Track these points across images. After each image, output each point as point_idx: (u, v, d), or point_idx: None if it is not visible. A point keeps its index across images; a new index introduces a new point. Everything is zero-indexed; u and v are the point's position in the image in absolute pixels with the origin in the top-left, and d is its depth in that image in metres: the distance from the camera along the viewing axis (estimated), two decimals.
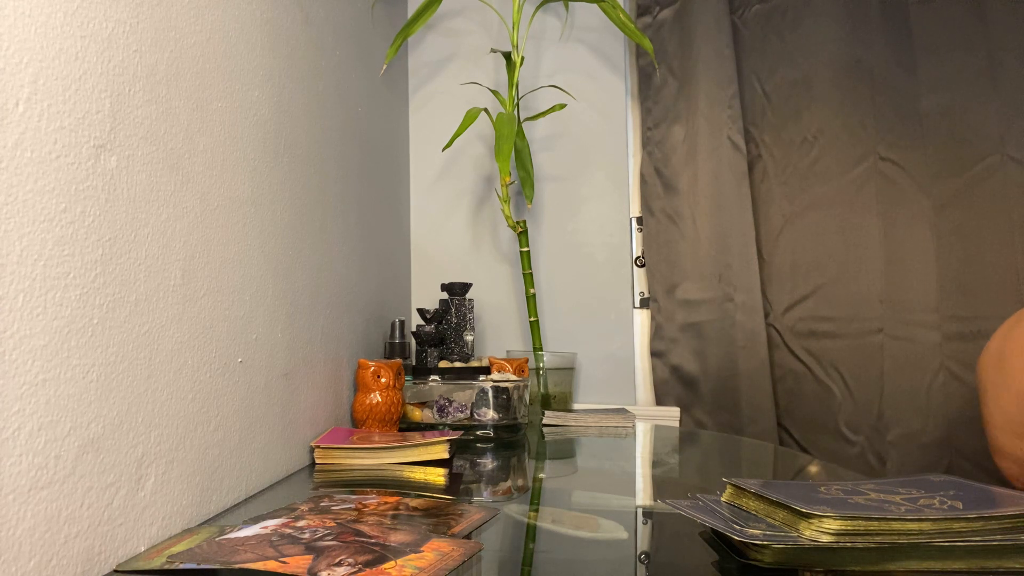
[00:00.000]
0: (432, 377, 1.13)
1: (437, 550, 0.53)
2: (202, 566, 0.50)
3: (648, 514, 0.74)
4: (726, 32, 1.44)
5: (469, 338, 1.28)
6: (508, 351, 1.47)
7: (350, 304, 1.11)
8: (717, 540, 0.57)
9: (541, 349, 1.36)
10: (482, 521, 0.64)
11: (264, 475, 0.79)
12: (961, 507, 0.53)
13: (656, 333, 1.45)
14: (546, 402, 1.32)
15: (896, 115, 1.37)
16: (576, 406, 1.40)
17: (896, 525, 0.50)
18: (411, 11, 1.52)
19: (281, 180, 0.86)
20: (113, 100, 0.55)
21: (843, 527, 0.50)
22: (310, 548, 0.53)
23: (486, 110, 1.37)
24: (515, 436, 1.09)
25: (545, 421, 1.24)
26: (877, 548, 0.50)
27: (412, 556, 0.51)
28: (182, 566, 0.51)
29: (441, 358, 1.25)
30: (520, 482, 0.88)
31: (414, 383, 1.11)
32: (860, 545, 0.50)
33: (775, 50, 1.44)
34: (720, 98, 1.43)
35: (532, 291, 1.38)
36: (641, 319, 1.49)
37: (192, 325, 0.65)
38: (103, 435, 0.53)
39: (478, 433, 1.06)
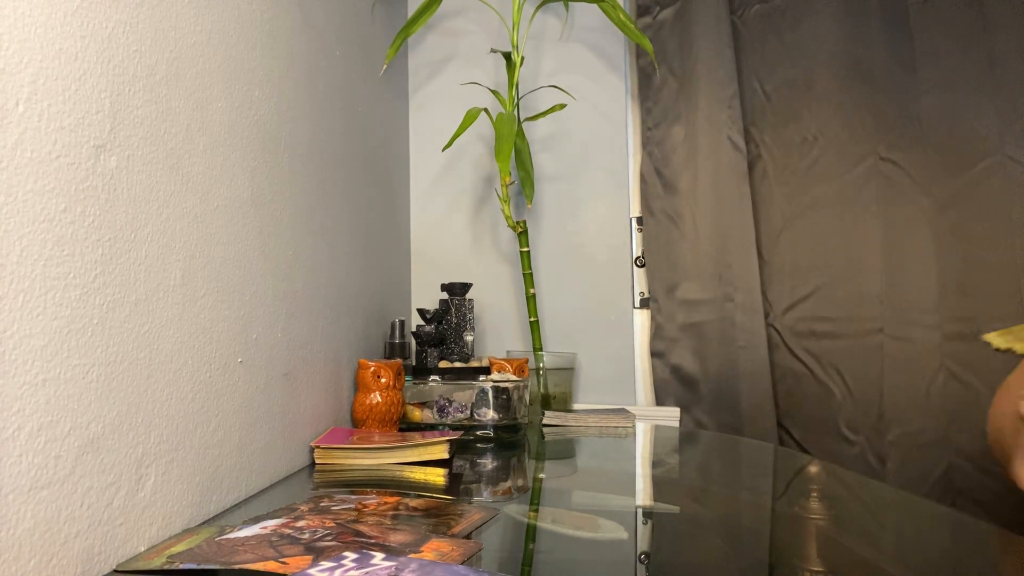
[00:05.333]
0: (432, 377, 1.13)
1: (437, 550, 0.53)
2: (202, 566, 0.50)
3: (648, 514, 0.74)
4: (726, 32, 1.44)
5: (469, 338, 1.28)
6: (508, 351, 1.47)
7: (350, 304, 1.11)
8: None
9: (541, 349, 1.36)
10: (482, 521, 0.64)
11: (264, 475, 0.79)
12: None
13: (656, 333, 1.45)
14: (546, 402, 1.32)
15: (896, 115, 1.37)
16: (576, 406, 1.40)
17: None
18: (411, 11, 1.52)
19: (281, 180, 0.86)
20: (113, 100, 0.55)
21: None
22: (310, 548, 0.53)
23: (486, 110, 1.37)
24: (515, 436, 1.09)
25: (545, 421, 1.24)
26: None
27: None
28: (182, 566, 0.51)
29: (441, 358, 1.25)
30: (520, 482, 0.88)
31: (414, 383, 1.11)
32: None
33: (775, 50, 1.44)
34: (720, 98, 1.43)
35: (532, 291, 1.38)
36: (641, 319, 1.49)
37: (192, 325, 0.65)
38: (103, 435, 0.53)
39: (478, 433, 1.06)
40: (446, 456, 0.91)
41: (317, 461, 0.90)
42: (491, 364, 1.20)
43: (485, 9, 1.53)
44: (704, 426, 1.40)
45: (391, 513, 0.65)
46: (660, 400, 1.44)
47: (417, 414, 1.09)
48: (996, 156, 1.32)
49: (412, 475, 0.85)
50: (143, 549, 0.57)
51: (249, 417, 0.76)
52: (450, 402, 1.07)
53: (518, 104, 1.40)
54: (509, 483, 0.87)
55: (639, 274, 1.50)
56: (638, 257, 1.50)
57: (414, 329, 1.24)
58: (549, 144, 1.55)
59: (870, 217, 1.37)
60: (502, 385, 1.08)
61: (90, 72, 0.52)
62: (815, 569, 0.54)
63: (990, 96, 1.33)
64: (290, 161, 0.89)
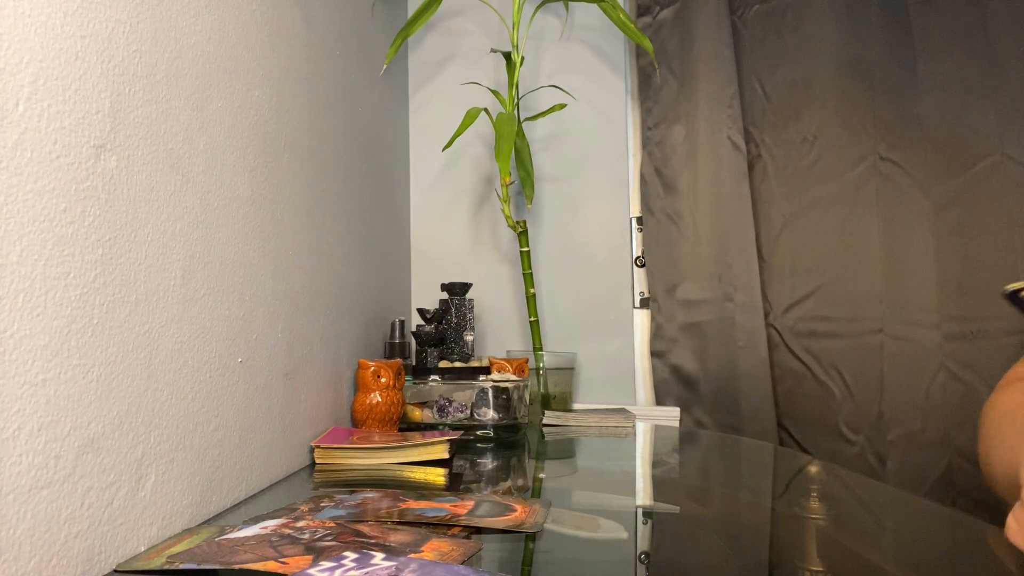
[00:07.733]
0: (432, 377, 1.13)
1: (437, 550, 0.53)
2: (202, 566, 0.50)
3: (648, 514, 0.74)
4: (726, 32, 1.44)
5: (469, 338, 1.28)
6: (508, 351, 1.47)
7: (350, 304, 1.11)
8: None
9: (541, 349, 1.36)
10: None
11: (264, 475, 0.79)
12: None
13: (656, 333, 1.45)
14: (546, 402, 1.32)
15: (896, 115, 1.37)
16: (576, 406, 1.40)
17: None
18: (411, 11, 1.52)
19: (281, 180, 0.86)
20: (113, 100, 0.55)
21: None
22: (310, 548, 0.53)
23: (486, 110, 1.37)
24: (515, 436, 1.09)
25: (545, 421, 1.24)
26: None
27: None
28: (182, 566, 0.51)
29: (441, 358, 1.25)
30: (520, 482, 0.88)
31: (414, 383, 1.11)
32: None
33: (775, 50, 1.44)
34: (720, 98, 1.43)
35: (532, 291, 1.38)
36: (641, 319, 1.49)
37: (192, 325, 0.65)
38: (103, 435, 0.53)
39: (478, 433, 1.06)
40: (446, 456, 0.91)
41: (317, 461, 0.90)
42: (491, 364, 1.20)
43: (485, 9, 1.53)
44: (704, 426, 1.40)
45: None
46: (660, 400, 1.44)
47: (417, 414, 1.09)
48: (996, 156, 1.32)
49: (412, 475, 0.85)
50: (143, 549, 0.57)
51: (249, 417, 0.76)
52: (450, 402, 1.07)
53: (518, 104, 1.40)
54: (509, 483, 0.87)
55: (639, 274, 1.50)
56: (638, 257, 1.50)
57: (414, 329, 1.24)
58: (549, 144, 1.55)
59: (870, 217, 1.37)
60: (502, 385, 1.08)
61: (90, 72, 0.52)
62: (815, 569, 0.54)
63: (990, 96, 1.33)
64: (290, 161, 0.89)
